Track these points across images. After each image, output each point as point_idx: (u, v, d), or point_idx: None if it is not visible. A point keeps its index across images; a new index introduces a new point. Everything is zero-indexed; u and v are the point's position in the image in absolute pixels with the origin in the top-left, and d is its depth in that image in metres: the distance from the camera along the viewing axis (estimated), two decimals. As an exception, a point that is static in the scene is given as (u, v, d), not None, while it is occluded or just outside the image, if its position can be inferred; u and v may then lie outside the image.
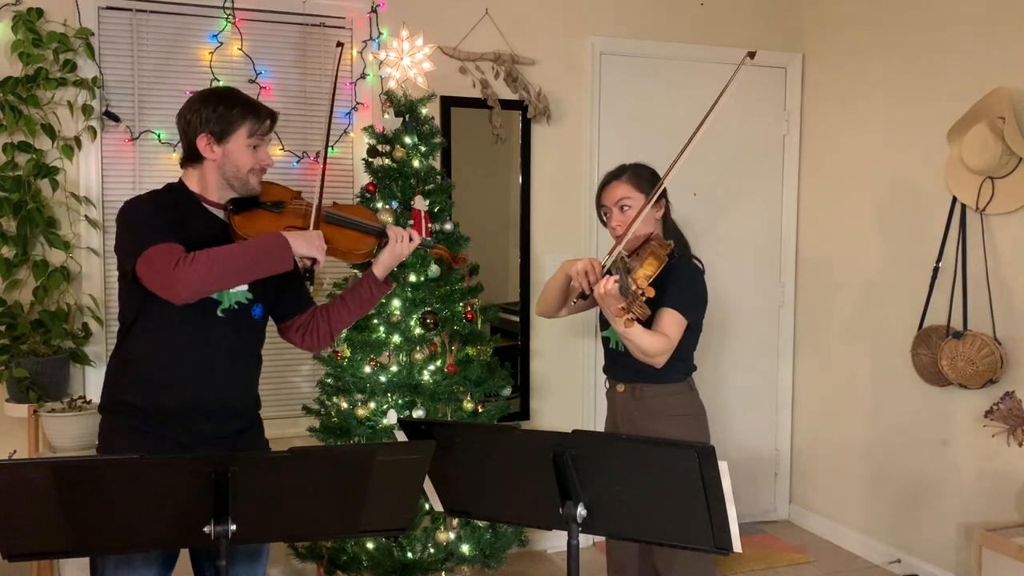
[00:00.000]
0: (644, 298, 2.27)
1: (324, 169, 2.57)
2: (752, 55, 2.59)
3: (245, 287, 2.27)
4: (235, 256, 2.15)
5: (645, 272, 2.39)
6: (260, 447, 2.42)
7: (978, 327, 3.49)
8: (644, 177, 2.65)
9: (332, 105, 2.56)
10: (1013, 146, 3.29)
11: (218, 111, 2.23)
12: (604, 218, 2.71)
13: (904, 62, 3.89)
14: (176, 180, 2.31)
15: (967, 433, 3.60)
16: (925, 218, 3.77)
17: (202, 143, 2.23)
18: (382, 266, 2.48)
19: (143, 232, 2.14)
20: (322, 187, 2.44)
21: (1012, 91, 3.37)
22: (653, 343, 2.45)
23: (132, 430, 2.20)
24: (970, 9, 3.58)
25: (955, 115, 3.55)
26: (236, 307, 2.26)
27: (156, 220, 2.16)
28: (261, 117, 2.29)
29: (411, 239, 2.47)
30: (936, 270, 3.68)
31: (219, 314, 2.24)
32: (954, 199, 3.59)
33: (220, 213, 2.30)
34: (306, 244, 2.25)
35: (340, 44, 2.61)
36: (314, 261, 2.28)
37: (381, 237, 2.46)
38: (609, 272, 2.46)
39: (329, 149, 3.71)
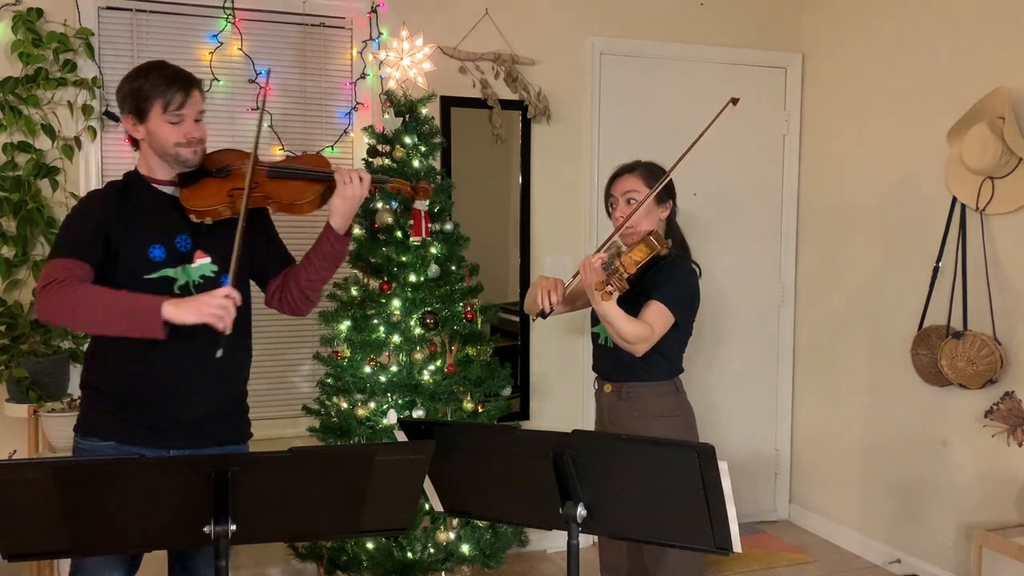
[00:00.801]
0: (625, 275, 2.30)
1: (259, 131, 2.44)
2: (735, 101, 2.58)
3: (208, 259, 2.23)
4: (102, 304, 2.08)
5: (634, 257, 2.44)
6: (242, 435, 2.38)
7: (978, 327, 3.49)
8: (656, 175, 2.67)
9: (259, 130, 2.48)
10: (1013, 146, 3.29)
11: (132, 88, 2.17)
12: (610, 208, 2.74)
13: (904, 62, 3.89)
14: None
15: (967, 433, 3.59)
16: (925, 218, 3.76)
17: (127, 124, 2.21)
18: (337, 215, 2.32)
19: (60, 240, 2.16)
20: (256, 146, 2.32)
21: (1012, 91, 3.37)
22: (633, 329, 2.47)
23: (105, 412, 2.21)
24: (970, 9, 3.58)
25: (955, 115, 3.54)
26: (201, 281, 2.22)
27: (78, 229, 2.15)
28: (171, 91, 2.16)
29: (361, 179, 2.31)
30: (936, 270, 3.68)
31: (176, 291, 2.18)
32: (954, 199, 3.59)
33: (171, 190, 2.26)
34: (193, 311, 2.07)
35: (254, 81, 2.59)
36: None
37: (327, 182, 2.34)
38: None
39: (329, 149, 3.71)
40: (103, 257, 2.16)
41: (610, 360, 2.68)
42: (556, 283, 2.60)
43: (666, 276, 2.58)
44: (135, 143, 2.25)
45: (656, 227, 2.63)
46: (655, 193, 2.57)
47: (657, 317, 2.51)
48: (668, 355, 2.63)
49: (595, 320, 2.73)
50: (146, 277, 2.18)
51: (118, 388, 2.20)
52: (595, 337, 2.76)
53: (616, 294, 2.37)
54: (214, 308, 2.08)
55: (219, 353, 2.11)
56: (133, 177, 2.27)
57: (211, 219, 2.24)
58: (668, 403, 2.64)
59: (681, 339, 2.66)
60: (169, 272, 2.19)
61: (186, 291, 2.20)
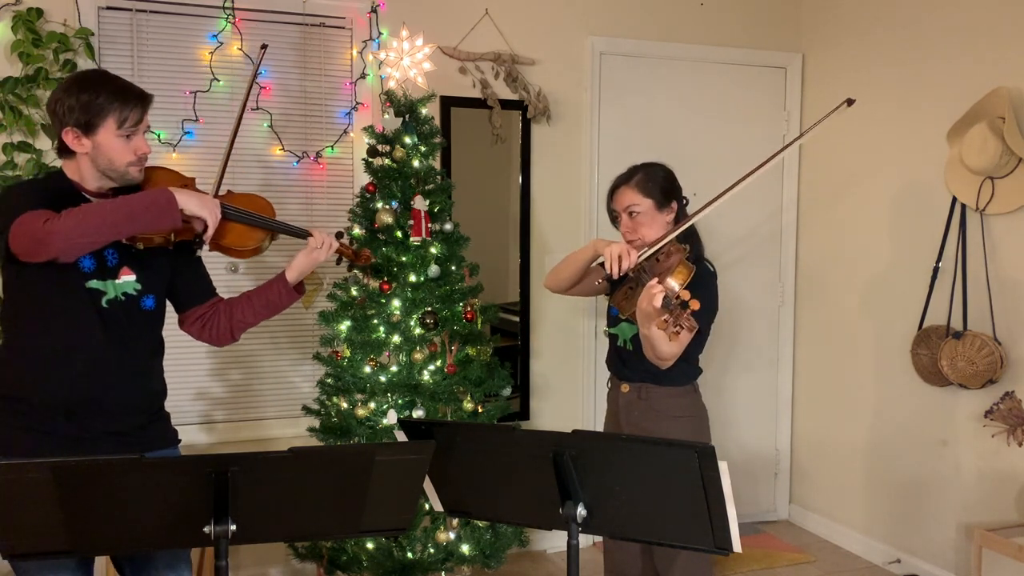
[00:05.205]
0: (689, 311, 2.15)
1: (227, 159, 2.44)
2: (850, 102, 2.68)
3: (132, 277, 2.19)
4: (112, 208, 2.04)
5: (677, 281, 2.34)
6: (167, 440, 2.33)
7: (978, 327, 3.49)
8: (655, 180, 2.64)
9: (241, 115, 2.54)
10: (1013, 146, 3.29)
11: (82, 100, 2.08)
12: (614, 221, 2.72)
13: (904, 62, 3.89)
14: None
15: (967, 433, 3.59)
16: (925, 218, 3.76)
17: (69, 137, 2.10)
18: (296, 270, 2.40)
19: (13, 209, 2.04)
20: (221, 178, 2.33)
21: (1012, 91, 3.37)
22: (669, 348, 2.42)
23: (20, 427, 2.14)
24: (970, 9, 3.58)
25: (955, 115, 3.54)
26: (123, 298, 2.18)
27: (28, 198, 2.06)
28: (130, 104, 2.12)
29: (330, 246, 2.41)
30: (936, 270, 3.68)
31: (104, 304, 2.15)
32: (954, 199, 3.59)
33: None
34: (198, 202, 2.13)
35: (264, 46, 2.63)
36: (204, 226, 2.17)
37: (275, 232, 2.38)
38: (632, 280, 2.43)
39: (329, 149, 3.71)
40: None
41: (630, 363, 2.67)
42: (629, 250, 2.47)
43: (690, 285, 2.53)
44: (63, 154, 2.16)
45: (663, 231, 2.61)
46: (672, 236, 2.55)
47: (684, 335, 2.45)
48: (689, 359, 2.62)
49: (612, 321, 2.72)
50: (75, 285, 2.13)
51: (38, 400, 2.13)
52: (613, 339, 2.74)
53: (683, 333, 2.19)
54: (212, 204, 2.16)
55: (204, 250, 2.27)
56: (60, 178, 2.18)
57: (143, 245, 2.21)
58: (685, 404, 2.64)
59: (701, 343, 2.65)
60: (97, 284, 2.15)
61: (113, 305, 2.17)
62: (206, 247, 2.29)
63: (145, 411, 2.28)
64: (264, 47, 2.68)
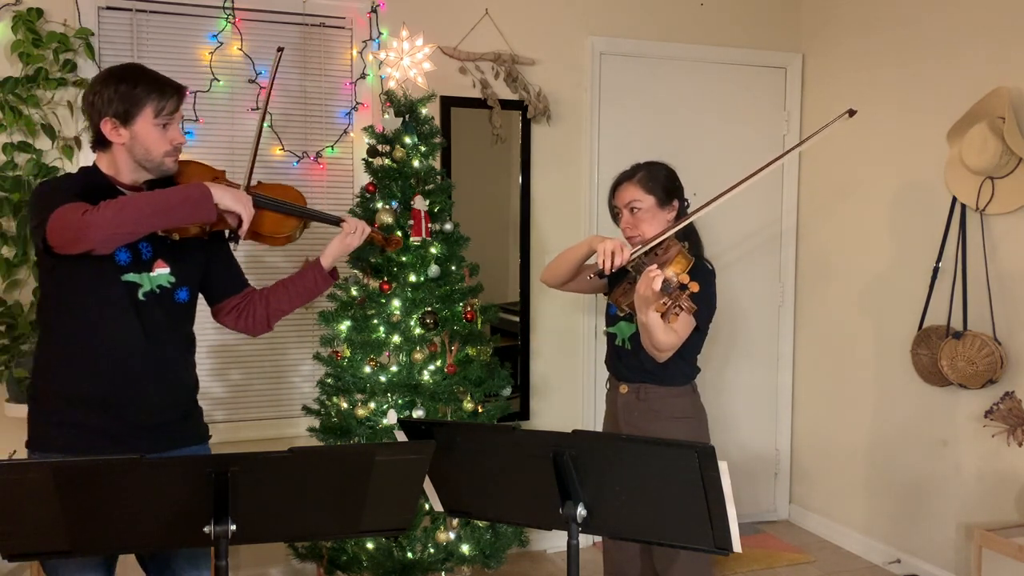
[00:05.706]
0: (688, 292, 2.16)
1: (255, 152, 2.51)
2: (852, 113, 2.71)
3: (166, 269, 2.21)
4: (148, 200, 2.08)
5: (675, 270, 2.34)
6: (200, 436, 2.35)
7: (978, 327, 3.49)
8: (657, 178, 2.64)
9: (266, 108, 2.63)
10: (1013, 146, 3.29)
11: (120, 91, 2.12)
12: (615, 217, 2.73)
13: (904, 62, 3.89)
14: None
15: (967, 433, 3.60)
16: (925, 218, 3.76)
17: (107, 128, 2.13)
18: (330, 256, 2.47)
19: (50, 202, 2.05)
20: (251, 170, 2.40)
21: (1012, 91, 3.37)
22: (667, 338, 2.41)
23: (56, 422, 2.15)
24: (970, 9, 3.58)
25: (955, 115, 3.54)
26: (158, 291, 2.20)
27: (64, 191, 2.09)
28: (167, 94, 2.17)
29: (363, 232, 2.50)
30: (936, 270, 3.68)
31: (141, 297, 2.17)
32: (954, 199, 3.59)
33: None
34: (232, 198, 2.18)
35: (280, 49, 2.71)
36: (239, 221, 2.22)
37: (308, 220, 2.45)
38: (631, 277, 2.43)
39: (329, 149, 3.72)
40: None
41: (628, 362, 2.66)
42: (623, 246, 2.47)
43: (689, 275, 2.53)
44: (99, 146, 2.19)
45: (663, 228, 2.61)
46: (674, 230, 2.55)
47: (683, 324, 2.46)
48: (687, 358, 2.62)
49: (610, 320, 2.72)
50: (111, 278, 2.15)
51: (76, 394, 2.14)
52: (611, 338, 2.74)
53: (682, 316, 2.20)
54: (246, 199, 2.21)
55: (234, 246, 2.35)
56: (94, 172, 2.20)
57: (179, 236, 2.23)
58: (683, 404, 2.64)
59: (699, 342, 2.65)
60: (133, 277, 2.16)
61: (149, 298, 2.19)
62: (241, 240, 2.32)
63: (180, 405, 2.29)
64: (281, 49, 2.71)
